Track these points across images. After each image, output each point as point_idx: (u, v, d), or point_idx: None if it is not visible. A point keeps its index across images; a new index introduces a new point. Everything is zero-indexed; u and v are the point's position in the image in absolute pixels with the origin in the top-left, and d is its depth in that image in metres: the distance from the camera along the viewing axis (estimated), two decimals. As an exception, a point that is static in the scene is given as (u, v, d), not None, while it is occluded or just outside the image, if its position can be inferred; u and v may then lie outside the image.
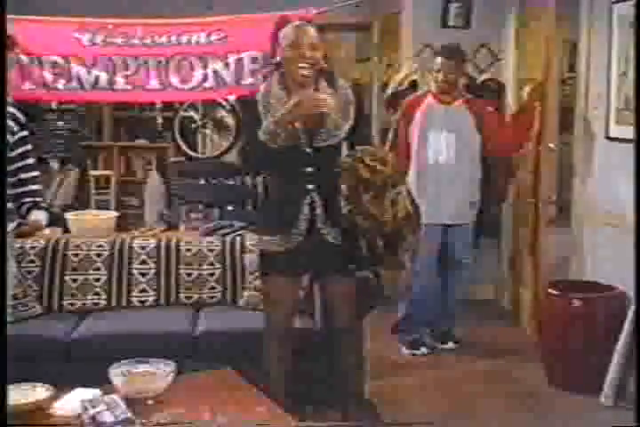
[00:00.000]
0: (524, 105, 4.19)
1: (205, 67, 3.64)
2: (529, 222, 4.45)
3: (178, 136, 6.30)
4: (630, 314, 3.35)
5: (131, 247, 3.65)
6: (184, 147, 6.31)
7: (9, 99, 2.91)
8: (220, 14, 3.77)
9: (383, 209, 2.71)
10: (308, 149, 2.82)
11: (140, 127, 6.79)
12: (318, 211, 2.84)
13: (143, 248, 3.66)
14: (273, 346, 2.96)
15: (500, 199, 4.68)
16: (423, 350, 4.15)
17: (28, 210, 2.97)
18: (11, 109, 2.89)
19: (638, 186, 3.22)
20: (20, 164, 2.96)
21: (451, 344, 4.24)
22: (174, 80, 3.66)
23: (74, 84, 3.55)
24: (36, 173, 3.05)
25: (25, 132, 2.98)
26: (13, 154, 2.92)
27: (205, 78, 3.65)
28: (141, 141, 6.76)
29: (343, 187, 2.72)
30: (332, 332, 3.06)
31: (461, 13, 4.81)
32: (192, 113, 6.28)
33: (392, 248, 2.81)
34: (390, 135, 4.16)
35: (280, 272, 2.90)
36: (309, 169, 2.83)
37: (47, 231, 3.54)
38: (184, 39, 3.65)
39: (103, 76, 3.61)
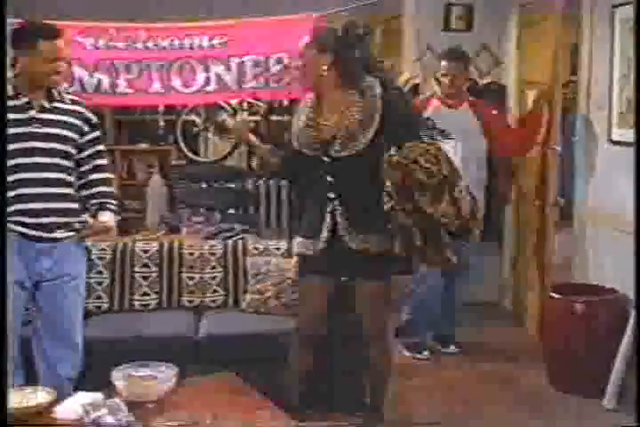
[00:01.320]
0: (531, 107, 4.17)
1: (207, 70, 3.65)
2: (534, 225, 4.44)
3: (180, 139, 6.30)
4: (632, 317, 3.34)
5: (133, 251, 3.65)
6: (186, 150, 6.32)
7: (79, 100, 2.91)
8: (222, 18, 3.77)
9: (442, 210, 2.66)
10: (326, 159, 2.84)
11: (141, 131, 6.80)
12: (339, 219, 2.85)
13: (145, 252, 3.66)
14: (299, 346, 3.00)
15: (503, 202, 4.67)
16: (425, 353, 4.14)
17: (96, 212, 2.89)
18: (81, 109, 2.87)
19: (638, 186, 3.22)
20: (88, 165, 2.90)
21: (452, 348, 4.23)
22: (177, 84, 3.66)
23: (76, 87, 3.56)
24: (106, 175, 2.97)
25: (96, 133, 2.92)
26: (83, 155, 2.87)
27: (208, 82, 3.66)
28: (143, 145, 6.77)
29: (388, 184, 2.68)
30: (359, 340, 3.08)
31: (463, 16, 4.82)
32: (194, 117, 6.28)
33: (447, 245, 2.77)
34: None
35: (311, 273, 2.95)
36: (329, 178, 2.85)
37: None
38: (186, 43, 3.65)
39: (105, 80, 3.61)
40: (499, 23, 4.86)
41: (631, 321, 3.34)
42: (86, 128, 2.87)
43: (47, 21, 2.85)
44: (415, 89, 4.69)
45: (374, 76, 2.86)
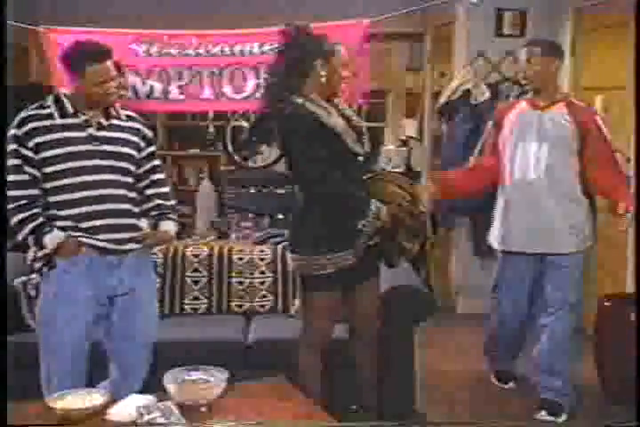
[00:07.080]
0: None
1: (258, 76, 3.68)
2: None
3: (229, 145, 6.35)
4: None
5: (184, 255, 3.69)
6: (235, 156, 6.37)
7: (135, 115, 2.90)
8: (273, 24, 3.79)
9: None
10: None
11: (192, 136, 6.88)
12: None
13: (196, 256, 3.69)
14: (315, 357, 2.99)
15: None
16: (511, 384, 3.78)
17: (156, 223, 2.88)
18: (137, 126, 2.86)
19: (638, 184, 3.10)
20: (147, 181, 2.89)
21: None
22: (227, 90, 3.71)
23: (129, 94, 3.62)
24: (165, 190, 2.95)
25: (152, 148, 2.91)
26: (141, 171, 2.86)
27: (258, 88, 3.68)
28: (193, 150, 6.84)
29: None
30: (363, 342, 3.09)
31: (516, 22, 4.77)
32: (243, 122, 6.33)
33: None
34: (477, 148, 3.78)
35: (333, 285, 2.91)
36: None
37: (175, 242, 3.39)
38: (237, 49, 3.69)
39: (157, 87, 3.67)
40: (553, 28, 4.79)
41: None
42: (143, 144, 2.86)
43: (94, 40, 2.80)
44: (467, 95, 4.65)
45: None
